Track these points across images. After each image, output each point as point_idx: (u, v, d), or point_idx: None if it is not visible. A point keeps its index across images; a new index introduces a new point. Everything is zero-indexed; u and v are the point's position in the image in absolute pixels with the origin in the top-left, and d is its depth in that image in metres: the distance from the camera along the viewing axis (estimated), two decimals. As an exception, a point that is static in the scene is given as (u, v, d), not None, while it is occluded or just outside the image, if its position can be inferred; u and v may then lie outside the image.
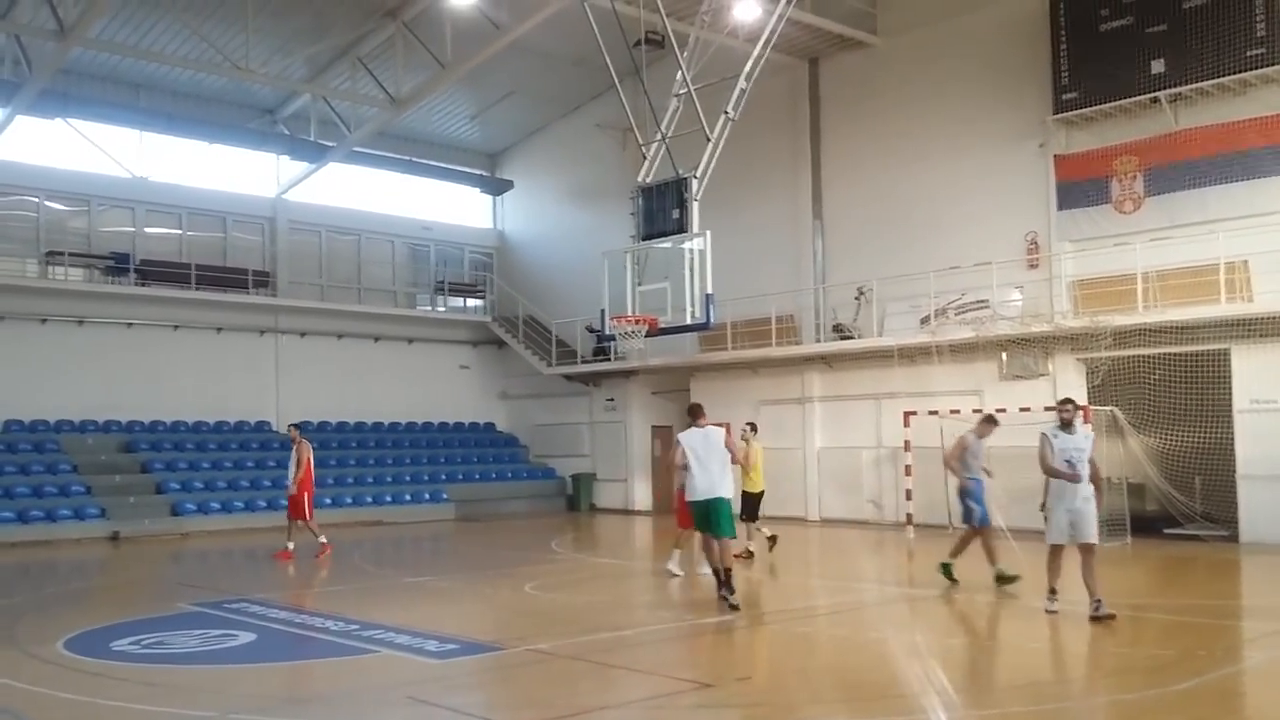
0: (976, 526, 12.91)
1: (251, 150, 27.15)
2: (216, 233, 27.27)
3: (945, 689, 7.96)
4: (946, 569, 13.04)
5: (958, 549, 13.00)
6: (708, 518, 11.51)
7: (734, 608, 11.25)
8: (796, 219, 24.44)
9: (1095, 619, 10.06)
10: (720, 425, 12.02)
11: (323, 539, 16.92)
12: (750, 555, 15.79)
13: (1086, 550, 10.37)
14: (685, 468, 11.54)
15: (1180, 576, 14.57)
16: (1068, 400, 10.89)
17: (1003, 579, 12.46)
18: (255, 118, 27.61)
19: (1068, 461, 10.37)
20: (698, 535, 12.44)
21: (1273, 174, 17.43)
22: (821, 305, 23.56)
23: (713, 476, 11.44)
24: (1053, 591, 10.66)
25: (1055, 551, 10.62)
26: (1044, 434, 10.63)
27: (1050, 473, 10.50)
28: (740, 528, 14.81)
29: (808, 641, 10.55)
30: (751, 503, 16.11)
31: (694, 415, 11.94)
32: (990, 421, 13.32)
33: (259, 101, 27.50)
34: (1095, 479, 10.50)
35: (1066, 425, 10.59)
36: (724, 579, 11.49)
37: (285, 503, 17.77)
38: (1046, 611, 10.54)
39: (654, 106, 17.89)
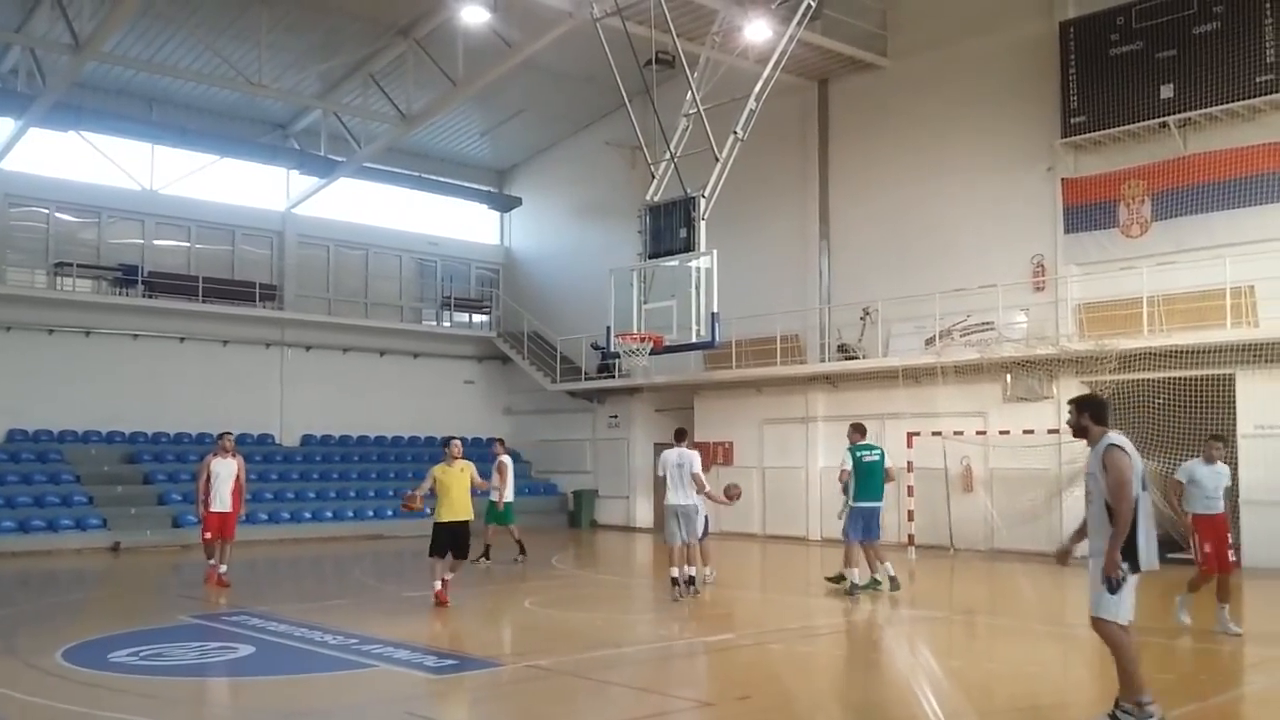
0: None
1: (262, 164, 27.24)
2: (225, 246, 27.36)
3: (947, 710, 7.93)
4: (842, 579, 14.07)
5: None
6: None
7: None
8: (803, 239, 24.46)
9: None
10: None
11: (215, 564, 14.94)
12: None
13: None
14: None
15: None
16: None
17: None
18: (266, 132, 27.75)
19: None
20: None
21: (1278, 200, 17.43)
22: (827, 325, 23.54)
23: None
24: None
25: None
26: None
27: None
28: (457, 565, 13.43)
29: (808, 661, 10.51)
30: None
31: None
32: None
33: (270, 116, 27.64)
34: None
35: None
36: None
37: (243, 518, 15.94)
38: None
39: (663, 125, 17.96)
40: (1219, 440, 11.42)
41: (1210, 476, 11.06)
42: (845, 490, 14.06)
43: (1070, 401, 7.48)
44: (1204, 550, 10.98)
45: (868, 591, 13.94)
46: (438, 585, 12.84)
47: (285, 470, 25.77)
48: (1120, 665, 6.92)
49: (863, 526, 13.90)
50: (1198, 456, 11.30)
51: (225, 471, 14.85)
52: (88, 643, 10.41)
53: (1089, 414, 7.16)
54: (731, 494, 14.93)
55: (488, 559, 17.64)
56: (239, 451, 15.49)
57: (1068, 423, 7.37)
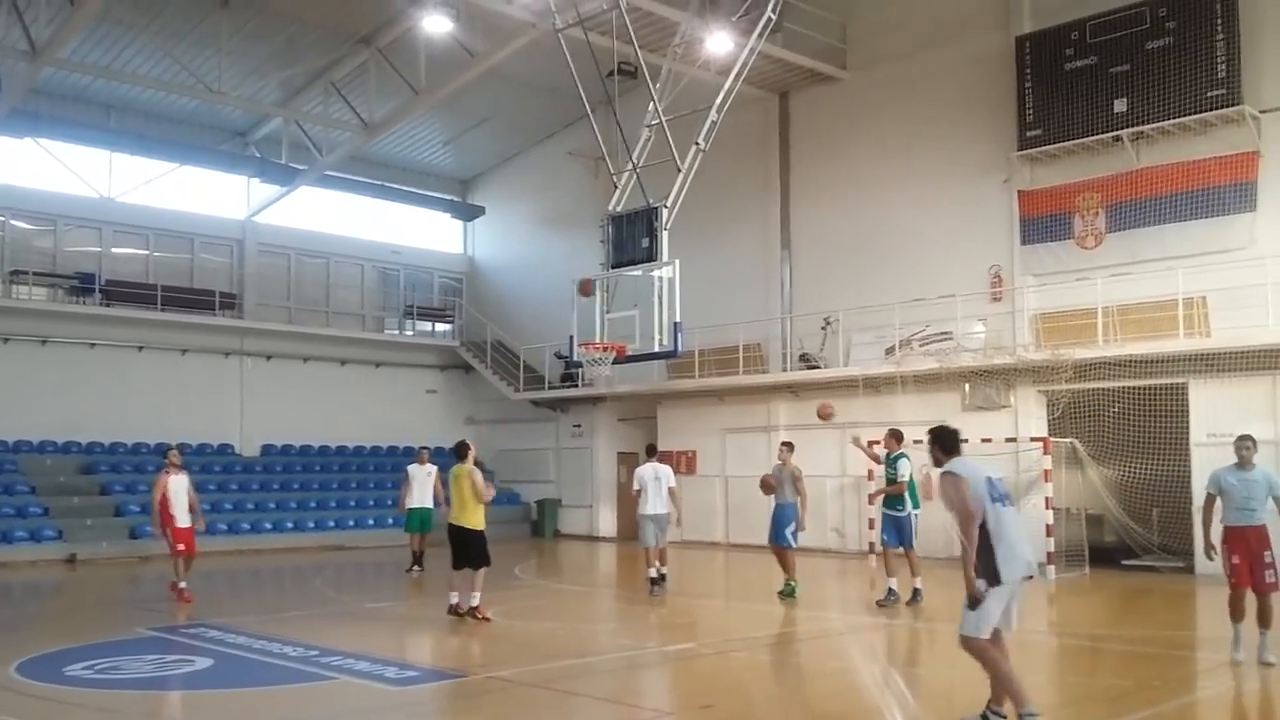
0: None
1: (222, 172, 27.00)
2: (184, 254, 27.08)
3: (908, 718, 8.02)
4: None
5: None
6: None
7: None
8: (765, 249, 24.63)
9: None
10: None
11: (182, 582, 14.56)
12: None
13: None
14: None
15: (1137, 607, 14.74)
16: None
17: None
18: (226, 140, 27.53)
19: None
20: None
21: (1230, 212, 17.77)
22: (788, 335, 23.71)
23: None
24: None
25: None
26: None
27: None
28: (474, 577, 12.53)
29: (770, 669, 10.59)
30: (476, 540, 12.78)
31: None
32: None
33: (230, 124, 27.43)
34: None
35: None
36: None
37: (204, 530, 15.79)
38: None
39: (626, 136, 18.08)
40: (1247, 439, 9.86)
41: (1240, 485, 9.70)
42: (899, 499, 13.95)
43: (927, 433, 7.53)
44: (1232, 562, 9.69)
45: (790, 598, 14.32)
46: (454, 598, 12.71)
47: (245, 480, 25.52)
48: (991, 677, 7.06)
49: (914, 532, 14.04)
50: (1231, 463, 9.89)
51: (180, 488, 14.78)
52: (42, 656, 10.27)
53: (939, 447, 7.37)
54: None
55: (420, 568, 18.15)
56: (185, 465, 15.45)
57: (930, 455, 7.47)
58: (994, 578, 6.89)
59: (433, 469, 18.34)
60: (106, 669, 9.70)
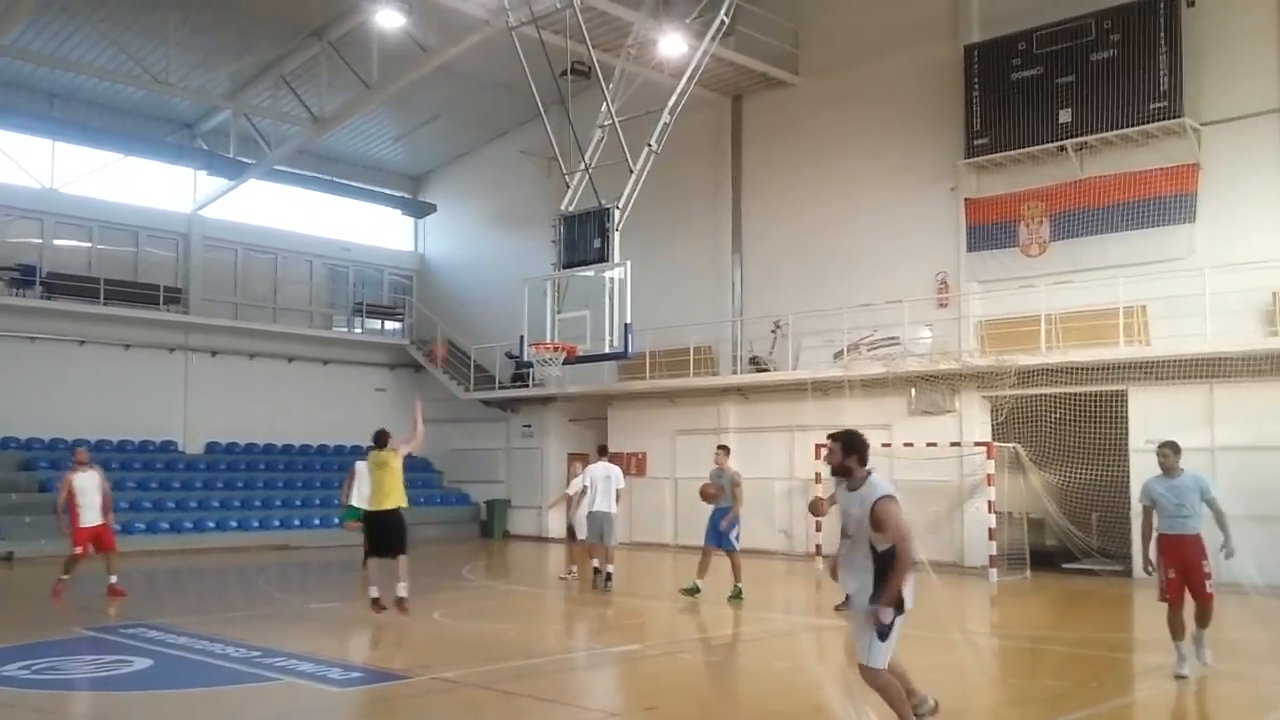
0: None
1: (168, 164, 26.58)
2: (128, 247, 26.65)
3: (852, 717, 8.10)
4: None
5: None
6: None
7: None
8: (716, 252, 24.74)
9: None
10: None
11: (67, 581, 14.51)
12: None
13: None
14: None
15: (1076, 610, 15.00)
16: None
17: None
18: (173, 132, 27.11)
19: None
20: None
21: (1171, 222, 18.15)
22: (739, 337, 23.85)
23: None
24: None
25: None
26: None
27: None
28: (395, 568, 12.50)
29: (716, 671, 10.65)
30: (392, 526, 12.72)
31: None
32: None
33: (178, 115, 27.03)
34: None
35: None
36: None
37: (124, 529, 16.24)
38: None
39: (578, 136, 18.08)
40: (1166, 447, 9.53)
41: (1170, 493, 9.40)
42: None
43: (832, 437, 6.78)
44: (1167, 576, 9.37)
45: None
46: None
47: (188, 478, 25.15)
48: (892, 706, 6.92)
49: None
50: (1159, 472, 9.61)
51: (89, 484, 14.63)
52: (-24, 657, 10.07)
53: (856, 455, 6.71)
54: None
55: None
56: (96, 463, 15.28)
57: (827, 459, 6.79)
58: (901, 606, 6.68)
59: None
60: (43, 669, 9.53)
